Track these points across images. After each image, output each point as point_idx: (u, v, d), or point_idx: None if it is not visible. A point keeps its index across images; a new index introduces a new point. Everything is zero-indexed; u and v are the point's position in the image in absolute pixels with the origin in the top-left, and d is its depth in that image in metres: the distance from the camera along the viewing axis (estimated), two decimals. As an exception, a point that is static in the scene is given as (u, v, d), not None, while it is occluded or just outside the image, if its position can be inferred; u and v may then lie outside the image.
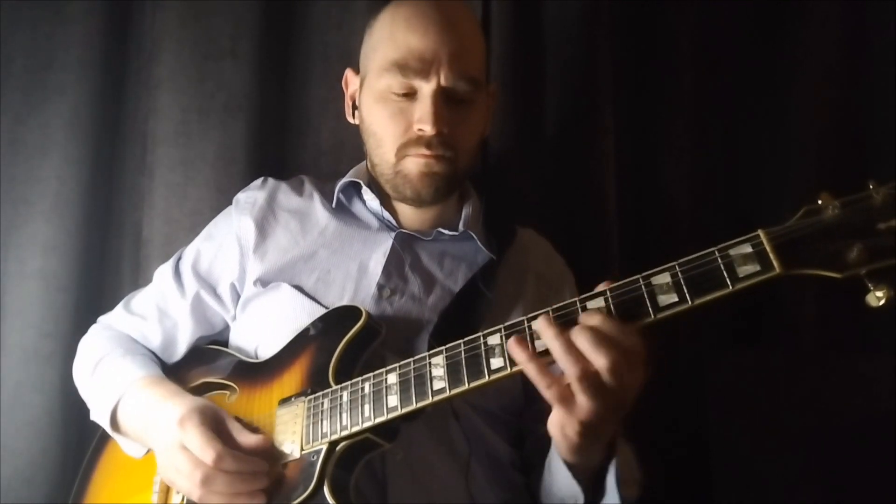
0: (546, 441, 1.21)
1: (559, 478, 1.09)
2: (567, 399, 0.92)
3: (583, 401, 0.91)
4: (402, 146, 1.27)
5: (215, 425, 1.10)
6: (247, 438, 1.10)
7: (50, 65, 1.64)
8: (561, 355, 0.91)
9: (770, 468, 1.47)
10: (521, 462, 1.29)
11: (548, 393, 0.92)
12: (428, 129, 1.23)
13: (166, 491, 1.21)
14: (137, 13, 1.70)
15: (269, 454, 1.11)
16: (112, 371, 1.30)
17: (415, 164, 1.27)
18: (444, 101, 1.25)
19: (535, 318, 0.98)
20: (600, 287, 0.96)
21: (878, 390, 1.47)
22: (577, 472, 1.06)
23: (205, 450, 1.05)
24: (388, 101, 1.28)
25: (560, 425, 0.96)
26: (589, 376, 0.90)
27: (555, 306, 0.97)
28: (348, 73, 1.42)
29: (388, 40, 1.28)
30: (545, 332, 0.93)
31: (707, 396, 1.53)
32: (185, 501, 1.16)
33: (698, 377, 1.55)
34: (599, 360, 0.89)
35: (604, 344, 0.90)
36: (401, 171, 1.28)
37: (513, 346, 0.94)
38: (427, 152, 1.25)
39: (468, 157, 1.32)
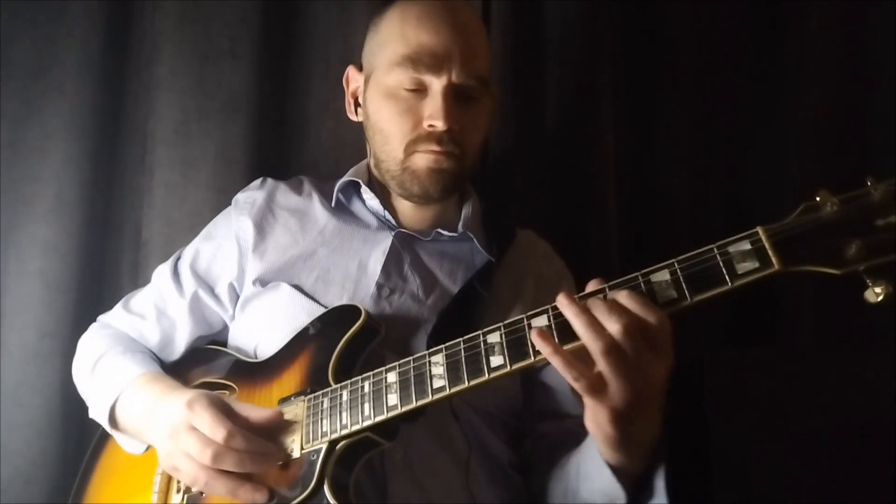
0: (548, 438, 1.21)
1: (595, 479, 1.07)
2: (597, 388, 0.91)
3: (610, 379, 0.89)
4: (411, 142, 1.27)
5: (222, 407, 1.10)
6: (257, 413, 1.11)
7: (50, 65, 1.64)
8: (584, 330, 0.90)
9: (770, 468, 1.47)
10: (519, 462, 1.29)
11: (577, 385, 0.91)
12: (439, 125, 1.24)
13: (166, 490, 1.21)
14: (137, 14, 1.70)
15: (276, 436, 1.11)
16: (111, 369, 1.30)
17: (424, 160, 1.27)
18: (454, 98, 1.25)
19: (534, 316, 0.98)
20: (591, 285, 0.96)
21: (877, 387, 1.47)
22: (619, 476, 1.04)
23: (215, 427, 1.05)
24: (397, 98, 1.28)
25: (594, 417, 0.95)
26: (613, 350, 0.88)
27: (554, 304, 0.97)
28: (350, 69, 1.42)
29: (399, 37, 1.28)
30: (568, 308, 0.92)
31: (707, 396, 1.53)
32: (184, 501, 1.16)
33: (698, 377, 1.55)
34: (612, 325, 0.88)
35: (616, 310, 0.89)
36: (409, 167, 1.28)
37: (537, 338, 0.92)
38: (437, 148, 1.26)
39: (474, 155, 1.33)
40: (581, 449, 1.12)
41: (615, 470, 1.03)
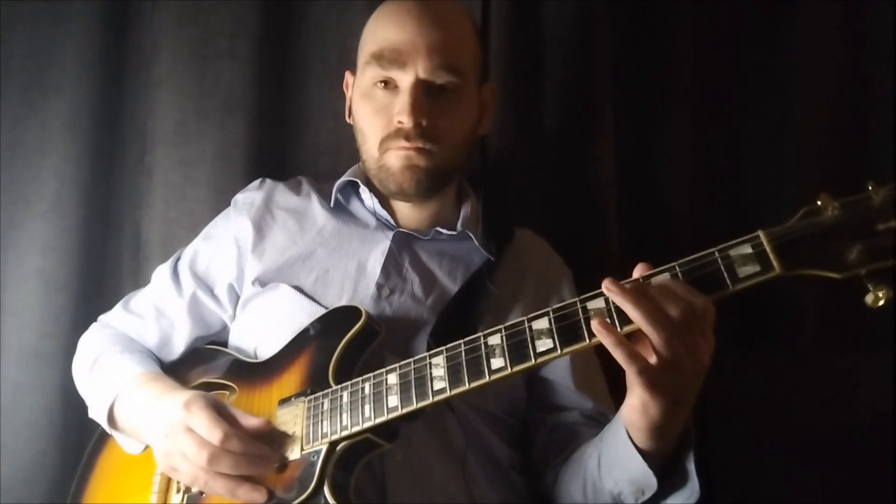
0: (561, 431, 1.20)
1: (621, 467, 1.05)
2: (657, 381, 0.89)
3: (670, 368, 0.88)
4: (384, 140, 1.27)
5: (219, 410, 1.11)
6: (249, 421, 1.11)
7: (49, 65, 1.64)
8: (647, 319, 0.87)
9: (770, 468, 1.47)
10: (521, 463, 1.29)
11: (639, 378, 0.89)
12: (406, 121, 1.24)
13: (165, 490, 1.21)
14: (136, 13, 1.70)
15: (273, 441, 1.11)
16: (110, 368, 1.30)
17: (396, 157, 1.27)
18: (425, 93, 1.25)
19: (535, 318, 0.98)
20: (638, 270, 0.94)
21: (877, 390, 1.47)
22: (650, 460, 1.02)
23: (212, 430, 1.06)
24: (372, 97, 1.29)
25: (643, 408, 0.93)
26: (676, 338, 0.87)
27: (555, 306, 0.97)
28: (347, 74, 1.43)
29: (371, 36, 1.31)
30: (622, 297, 0.89)
31: (707, 396, 1.53)
32: (184, 501, 1.16)
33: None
34: (672, 312, 0.88)
35: (671, 296, 0.88)
36: (384, 164, 1.29)
37: (599, 328, 0.90)
38: (406, 144, 1.25)
39: (454, 151, 1.31)
40: (602, 438, 1.10)
41: (646, 456, 1.01)
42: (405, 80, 1.25)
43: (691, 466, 1.02)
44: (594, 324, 0.91)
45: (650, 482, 1.02)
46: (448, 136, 1.29)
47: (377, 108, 1.28)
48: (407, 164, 1.27)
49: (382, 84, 1.27)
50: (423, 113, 1.24)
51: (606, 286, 0.91)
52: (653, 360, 0.89)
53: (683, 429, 1.01)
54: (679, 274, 0.91)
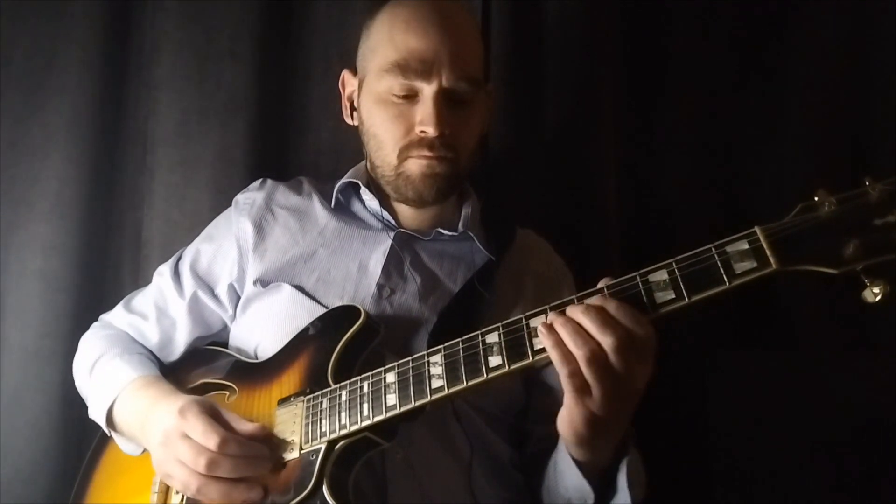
0: (547, 441, 1.20)
1: (568, 476, 1.09)
2: (585, 389, 0.92)
3: (594, 388, 0.91)
4: (404, 148, 1.27)
5: (213, 414, 1.11)
6: (244, 426, 1.11)
7: (50, 66, 1.65)
8: (571, 339, 0.91)
9: (770, 468, 1.47)
10: (521, 462, 1.29)
11: (569, 381, 0.93)
12: (431, 131, 1.23)
13: (166, 491, 1.21)
14: (137, 14, 1.71)
15: (268, 442, 1.12)
16: (109, 371, 1.30)
17: (417, 165, 1.27)
18: (446, 102, 1.25)
19: (533, 315, 0.98)
20: (603, 283, 0.97)
21: (878, 388, 1.47)
22: (586, 471, 1.06)
23: (208, 435, 1.06)
24: (388, 104, 1.27)
25: (570, 418, 0.97)
26: (598, 360, 0.90)
27: (553, 304, 0.98)
28: (345, 73, 1.42)
29: (388, 42, 1.28)
30: (554, 319, 0.94)
31: (707, 396, 1.53)
32: (184, 501, 1.16)
33: (698, 377, 1.55)
34: (605, 339, 0.90)
35: (610, 323, 0.90)
36: (403, 172, 1.28)
37: (542, 329, 0.94)
38: (429, 154, 1.25)
39: (469, 157, 1.32)
40: (558, 446, 1.12)
41: (582, 466, 1.05)
42: (428, 89, 1.24)
43: (622, 478, 1.06)
44: (540, 327, 0.95)
45: (586, 491, 1.07)
46: (465, 143, 1.29)
47: (395, 115, 1.27)
48: (428, 173, 1.27)
49: (402, 92, 1.26)
50: (446, 123, 1.24)
51: (540, 329, 0.95)
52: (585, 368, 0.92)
53: (621, 443, 1.06)
54: (675, 270, 0.92)
